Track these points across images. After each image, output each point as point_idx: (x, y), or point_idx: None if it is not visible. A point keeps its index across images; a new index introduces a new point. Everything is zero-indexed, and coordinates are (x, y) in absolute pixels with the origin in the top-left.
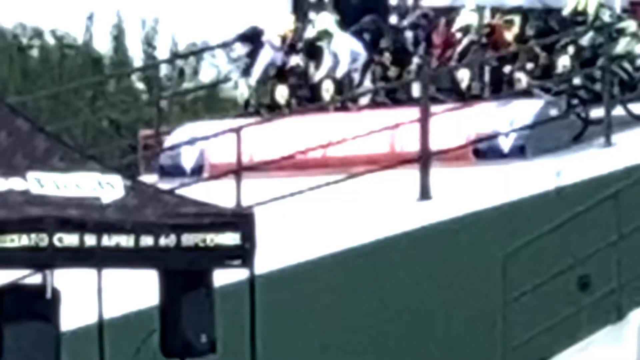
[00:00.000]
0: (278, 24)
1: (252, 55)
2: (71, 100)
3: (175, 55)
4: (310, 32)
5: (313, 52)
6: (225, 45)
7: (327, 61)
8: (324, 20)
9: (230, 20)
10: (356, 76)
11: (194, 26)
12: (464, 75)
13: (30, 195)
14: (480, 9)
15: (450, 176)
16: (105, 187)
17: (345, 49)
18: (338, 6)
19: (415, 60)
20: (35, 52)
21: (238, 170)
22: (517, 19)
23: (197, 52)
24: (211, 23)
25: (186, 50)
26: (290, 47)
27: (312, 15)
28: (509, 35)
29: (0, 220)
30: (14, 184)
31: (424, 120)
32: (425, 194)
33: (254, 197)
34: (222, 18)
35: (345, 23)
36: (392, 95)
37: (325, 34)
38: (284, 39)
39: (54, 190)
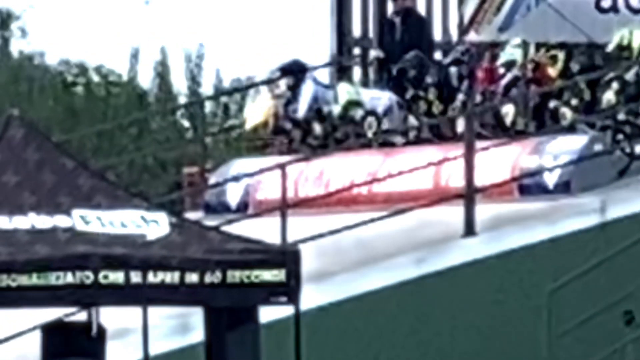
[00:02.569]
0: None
1: (294, 90)
2: (116, 138)
3: (219, 92)
4: (335, 109)
5: None
6: (269, 82)
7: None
8: (345, 92)
9: (275, 54)
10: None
11: (238, 60)
12: (508, 111)
13: (75, 233)
14: (524, 45)
15: (495, 212)
16: (150, 224)
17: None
18: (381, 42)
19: (460, 96)
20: (80, 89)
21: (283, 207)
22: (561, 55)
23: (242, 89)
24: (256, 57)
25: (231, 86)
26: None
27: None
28: (554, 70)
29: (45, 257)
30: (59, 221)
31: (468, 156)
32: (470, 229)
33: (299, 234)
34: (267, 52)
35: (388, 59)
36: (437, 131)
37: (353, 104)
38: None
39: (99, 227)
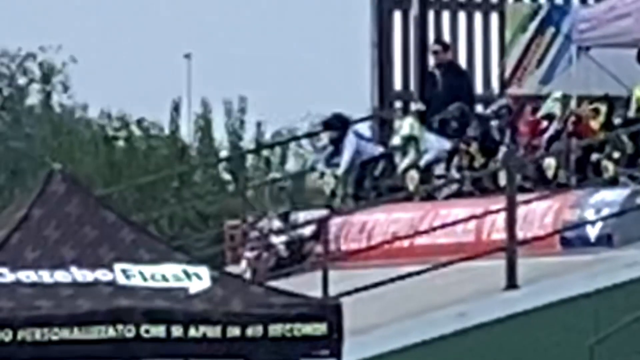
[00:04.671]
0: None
1: (337, 144)
2: (157, 191)
3: (261, 145)
4: (395, 140)
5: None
6: (311, 135)
7: (411, 153)
8: (409, 125)
9: (316, 106)
10: (440, 167)
11: (280, 112)
12: (550, 164)
13: (117, 287)
14: (566, 98)
15: (537, 265)
16: (191, 278)
17: (431, 146)
18: (423, 95)
19: (502, 148)
20: (121, 143)
21: (325, 260)
22: (603, 108)
23: (283, 143)
24: (297, 109)
25: (272, 139)
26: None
27: (396, 121)
28: (595, 123)
29: (87, 311)
30: (101, 275)
31: (510, 209)
32: (511, 282)
33: (341, 287)
34: (308, 104)
35: (430, 112)
36: (479, 184)
37: (410, 139)
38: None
39: (140, 281)
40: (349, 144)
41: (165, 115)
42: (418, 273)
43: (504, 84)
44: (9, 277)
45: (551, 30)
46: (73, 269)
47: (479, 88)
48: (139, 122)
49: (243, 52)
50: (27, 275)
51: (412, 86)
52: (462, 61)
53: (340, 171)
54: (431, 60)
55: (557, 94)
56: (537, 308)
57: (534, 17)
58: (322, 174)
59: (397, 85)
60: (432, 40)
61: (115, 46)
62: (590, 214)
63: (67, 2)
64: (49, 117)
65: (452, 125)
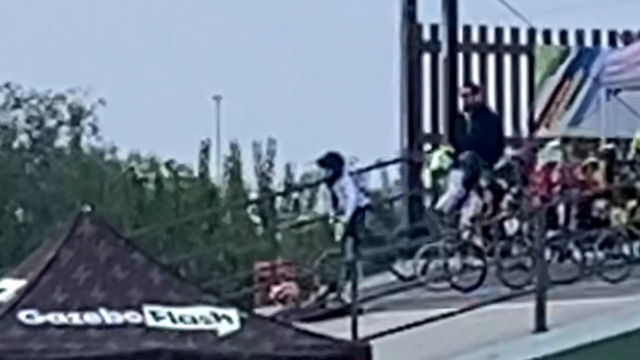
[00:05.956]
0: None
1: (331, 183)
2: (187, 233)
3: (290, 188)
4: (425, 173)
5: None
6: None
7: (445, 189)
8: (437, 157)
9: (345, 148)
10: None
11: (309, 154)
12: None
13: (146, 329)
14: (564, 144)
15: (566, 307)
16: (221, 320)
17: (455, 185)
18: (452, 138)
19: (507, 197)
20: (150, 185)
21: (353, 302)
22: (602, 164)
23: (312, 185)
24: (326, 151)
25: (301, 181)
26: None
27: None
28: (599, 174)
29: (116, 353)
30: (130, 317)
31: (540, 255)
32: (541, 325)
33: (370, 329)
34: (337, 147)
35: (459, 155)
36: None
37: (440, 172)
38: None
39: (169, 323)
40: (348, 184)
41: (195, 158)
42: (447, 315)
43: (533, 127)
44: (38, 319)
45: (580, 73)
46: (102, 310)
47: (508, 130)
48: (168, 164)
49: (272, 94)
50: (56, 317)
51: (442, 128)
52: (492, 103)
53: (347, 213)
54: (460, 103)
55: (556, 142)
56: (567, 351)
57: (563, 60)
58: (336, 220)
59: (427, 127)
60: (462, 82)
61: (145, 88)
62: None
63: (97, 44)
64: (78, 159)
65: (466, 172)
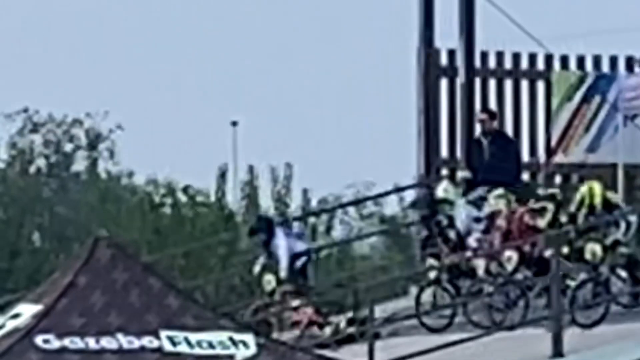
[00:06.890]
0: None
1: (267, 244)
2: (203, 258)
3: (307, 213)
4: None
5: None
6: (357, 202)
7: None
8: (442, 189)
9: (362, 174)
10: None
11: (326, 179)
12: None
13: (163, 354)
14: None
15: (583, 333)
16: (238, 345)
17: (461, 216)
18: (470, 163)
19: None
20: (167, 210)
21: (369, 328)
22: (550, 206)
23: (329, 210)
24: (344, 176)
25: (318, 206)
26: None
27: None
28: (542, 221)
29: None
30: (147, 342)
31: (555, 281)
32: (557, 351)
33: (386, 355)
34: (355, 171)
35: (477, 180)
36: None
37: (446, 203)
38: None
39: (186, 348)
40: (281, 246)
41: (212, 182)
42: (464, 341)
43: (550, 152)
44: (55, 343)
45: (597, 98)
46: (119, 335)
47: (525, 156)
48: (185, 189)
49: (289, 119)
50: (73, 342)
51: (459, 153)
52: (509, 128)
53: (282, 275)
54: (478, 128)
55: (500, 191)
56: None
57: (580, 86)
58: (261, 274)
59: (444, 152)
60: (479, 107)
61: (162, 113)
62: None
63: (113, 68)
64: (95, 183)
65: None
